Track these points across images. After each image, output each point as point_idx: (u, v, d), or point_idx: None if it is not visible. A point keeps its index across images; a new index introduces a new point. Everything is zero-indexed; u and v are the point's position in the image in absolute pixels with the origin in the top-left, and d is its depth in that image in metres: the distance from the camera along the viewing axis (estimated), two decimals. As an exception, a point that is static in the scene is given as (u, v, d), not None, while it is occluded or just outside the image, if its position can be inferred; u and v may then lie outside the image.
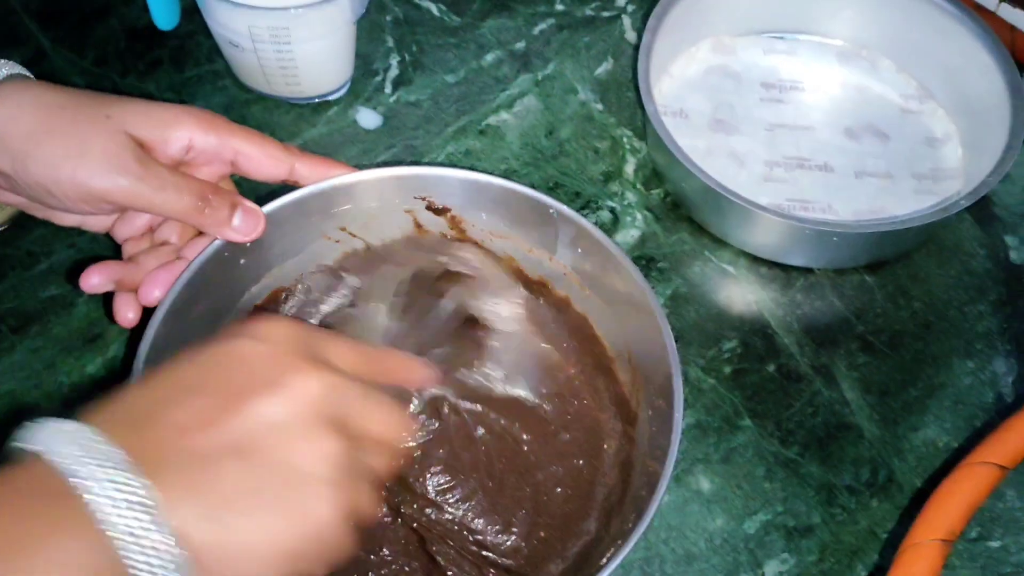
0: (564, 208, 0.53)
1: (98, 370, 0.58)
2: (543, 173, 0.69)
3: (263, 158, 0.51)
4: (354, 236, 0.58)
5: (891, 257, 0.66)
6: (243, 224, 0.51)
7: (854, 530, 0.55)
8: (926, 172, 0.69)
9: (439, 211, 0.57)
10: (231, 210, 0.50)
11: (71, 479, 0.31)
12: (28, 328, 0.59)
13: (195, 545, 0.32)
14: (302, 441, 0.36)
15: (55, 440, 0.32)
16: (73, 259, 0.62)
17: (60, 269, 0.62)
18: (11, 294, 0.61)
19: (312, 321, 0.59)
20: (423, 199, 0.56)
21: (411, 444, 0.51)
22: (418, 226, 0.58)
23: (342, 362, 0.39)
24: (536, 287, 0.58)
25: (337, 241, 0.58)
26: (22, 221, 0.62)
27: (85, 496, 0.31)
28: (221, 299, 0.54)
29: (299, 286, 0.58)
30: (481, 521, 0.53)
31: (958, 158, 0.70)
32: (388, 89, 0.72)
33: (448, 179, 0.55)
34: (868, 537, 0.55)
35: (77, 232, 0.62)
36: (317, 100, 0.70)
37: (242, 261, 0.54)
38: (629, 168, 0.69)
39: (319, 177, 0.53)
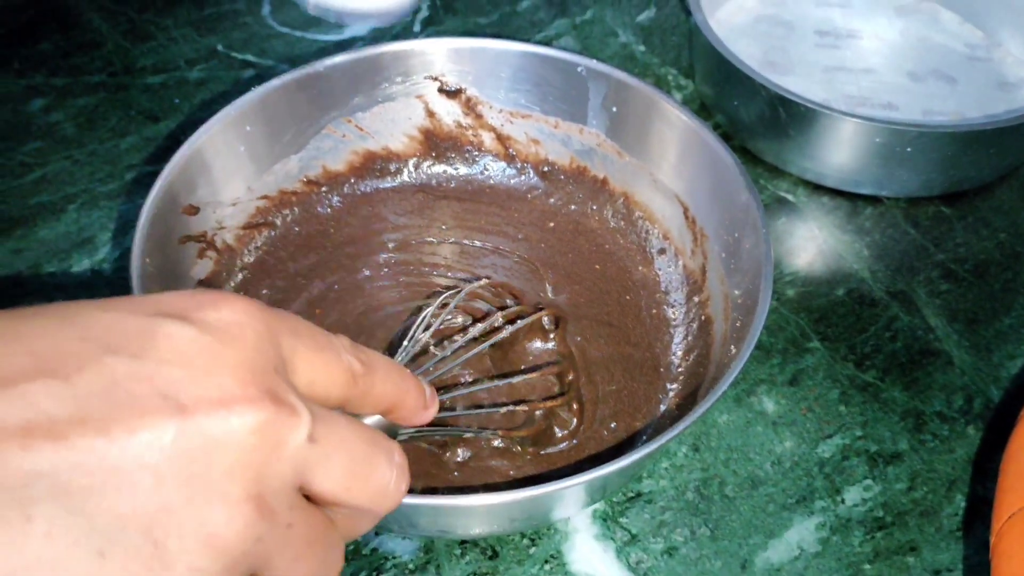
0: (592, 62, 0.48)
1: (84, 271, 0.52)
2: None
3: None
4: (362, 131, 0.52)
5: (969, 185, 0.59)
6: None
7: (949, 459, 0.47)
8: (1001, 115, 0.63)
9: (453, 93, 0.52)
10: None
11: None
12: (12, 231, 0.54)
13: None
14: (190, 505, 0.22)
15: None
16: (68, 170, 0.57)
17: (54, 179, 0.56)
18: (-2, 201, 0.56)
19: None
20: (435, 79, 0.51)
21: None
22: (431, 114, 0.52)
23: (314, 378, 0.26)
24: (571, 175, 0.53)
25: (344, 136, 0.52)
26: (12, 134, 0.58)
27: None
28: (211, 193, 0.48)
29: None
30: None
31: (1035, 102, 0.64)
32: (417, 28, 0.68)
33: (461, 51, 0.51)
34: (967, 466, 0.46)
35: (76, 144, 0.58)
36: (347, 35, 0.67)
37: (242, 149, 0.49)
38: (675, 103, 0.64)
39: None
